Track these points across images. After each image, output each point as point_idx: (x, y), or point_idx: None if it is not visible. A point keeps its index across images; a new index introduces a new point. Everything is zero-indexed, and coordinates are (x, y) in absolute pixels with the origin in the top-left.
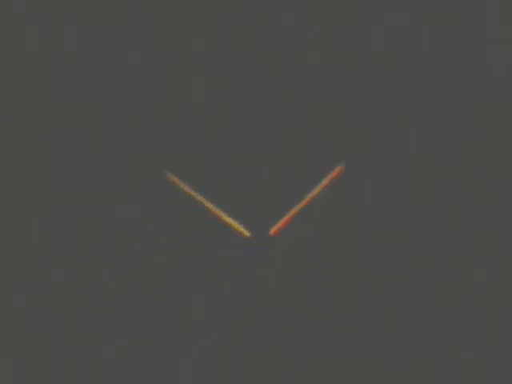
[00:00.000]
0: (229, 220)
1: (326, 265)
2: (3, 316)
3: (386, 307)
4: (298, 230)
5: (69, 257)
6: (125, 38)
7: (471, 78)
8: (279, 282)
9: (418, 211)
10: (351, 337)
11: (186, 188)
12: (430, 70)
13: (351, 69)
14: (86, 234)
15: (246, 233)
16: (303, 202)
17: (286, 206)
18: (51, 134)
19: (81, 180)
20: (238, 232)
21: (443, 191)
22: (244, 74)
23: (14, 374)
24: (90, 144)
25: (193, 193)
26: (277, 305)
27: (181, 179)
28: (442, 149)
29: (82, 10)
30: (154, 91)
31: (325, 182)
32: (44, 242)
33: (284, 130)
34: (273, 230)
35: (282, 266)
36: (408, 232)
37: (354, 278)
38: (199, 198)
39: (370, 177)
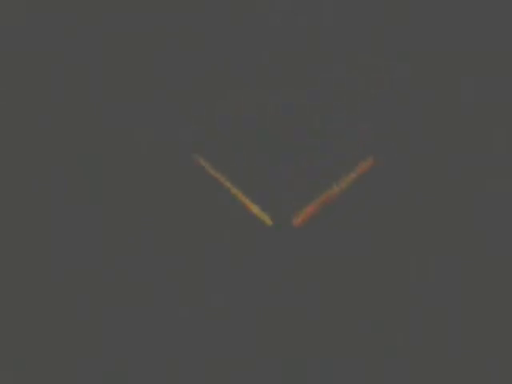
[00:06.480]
0: (252, 207)
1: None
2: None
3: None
4: (323, 222)
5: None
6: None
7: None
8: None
9: (451, 209)
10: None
11: (213, 171)
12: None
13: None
14: (108, 217)
15: (269, 221)
16: (329, 193)
17: (311, 196)
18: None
19: (104, 167)
20: (260, 220)
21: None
22: (270, 62)
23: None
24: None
25: (217, 175)
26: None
27: (208, 162)
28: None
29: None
30: (183, 76)
31: (354, 174)
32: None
33: (313, 119)
34: (296, 221)
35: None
36: (440, 230)
37: (380, 278)
38: (224, 181)
39: (401, 171)
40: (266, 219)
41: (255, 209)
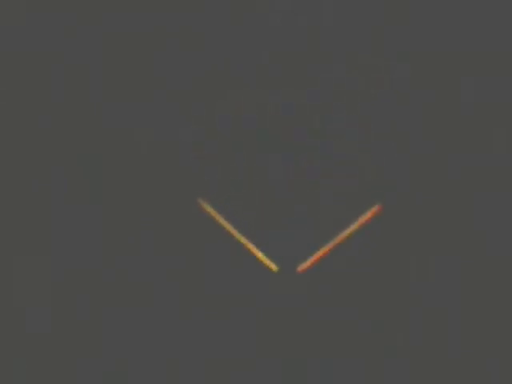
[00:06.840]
0: (257, 253)
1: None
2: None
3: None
4: (328, 269)
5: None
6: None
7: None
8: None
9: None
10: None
11: (217, 216)
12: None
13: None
14: (109, 260)
15: (274, 267)
16: (335, 241)
17: (317, 243)
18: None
19: (111, 204)
20: (265, 266)
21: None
22: (283, 106)
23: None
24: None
25: (223, 221)
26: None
27: (212, 207)
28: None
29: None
30: (192, 116)
31: (360, 221)
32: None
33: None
34: (301, 267)
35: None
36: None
37: (385, 324)
38: (228, 227)
39: (409, 218)
40: (271, 265)
41: (260, 255)
